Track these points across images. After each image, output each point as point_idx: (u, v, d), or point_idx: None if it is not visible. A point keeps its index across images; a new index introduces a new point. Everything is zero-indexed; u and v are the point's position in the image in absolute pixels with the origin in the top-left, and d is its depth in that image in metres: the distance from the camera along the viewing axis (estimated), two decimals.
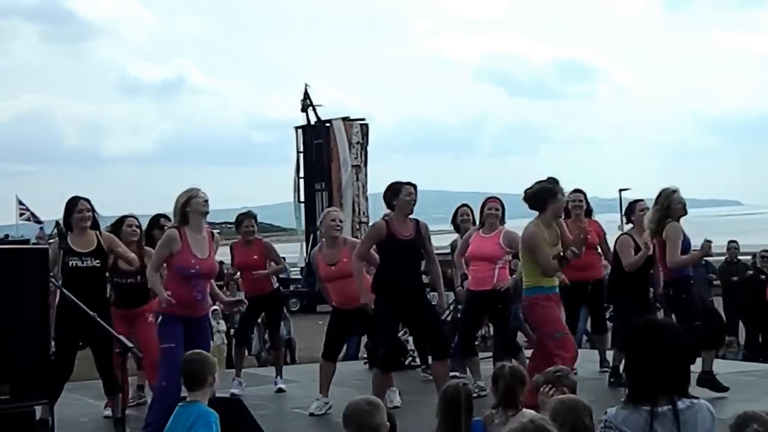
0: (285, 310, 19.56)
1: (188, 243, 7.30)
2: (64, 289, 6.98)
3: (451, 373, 8.44)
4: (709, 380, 8.61)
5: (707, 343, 8.77)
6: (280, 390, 9.87)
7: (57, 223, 7.53)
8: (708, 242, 8.60)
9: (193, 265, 7.30)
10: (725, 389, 8.66)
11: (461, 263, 9.50)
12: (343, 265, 8.59)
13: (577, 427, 4.30)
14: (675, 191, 8.68)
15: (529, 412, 4.84)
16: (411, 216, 8.09)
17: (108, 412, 8.39)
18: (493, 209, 9.15)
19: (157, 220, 9.31)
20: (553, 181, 7.75)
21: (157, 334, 7.41)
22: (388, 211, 8.32)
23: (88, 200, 8.12)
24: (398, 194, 8.01)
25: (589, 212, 10.18)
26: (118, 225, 8.70)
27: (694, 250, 8.79)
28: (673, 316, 8.45)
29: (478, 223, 9.57)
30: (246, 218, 9.98)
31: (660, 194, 8.68)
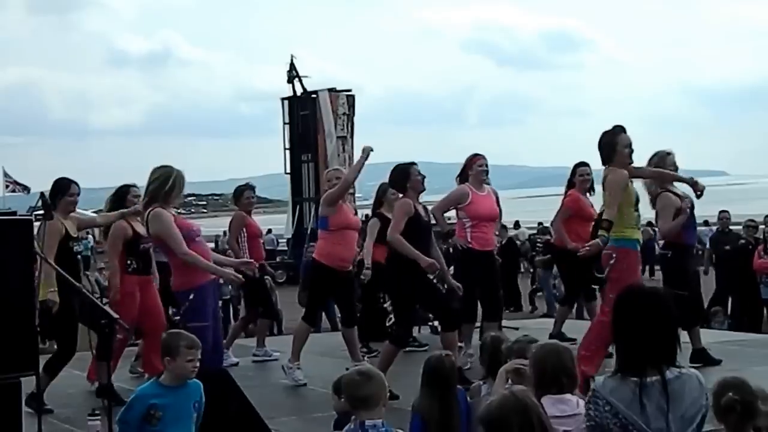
0: (271, 282, 19.64)
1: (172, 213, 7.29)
2: (50, 261, 6.98)
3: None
4: (701, 357, 8.71)
5: (691, 320, 8.83)
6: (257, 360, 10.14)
7: (42, 194, 7.50)
8: (683, 198, 8.64)
9: (191, 224, 7.43)
10: (718, 362, 8.75)
11: (443, 219, 9.38)
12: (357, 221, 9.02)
13: (559, 370, 4.32)
14: (669, 153, 8.68)
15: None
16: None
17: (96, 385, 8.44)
18: (484, 165, 9.16)
19: None
20: (619, 131, 7.76)
21: (186, 312, 7.10)
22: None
23: (78, 184, 8.30)
24: (409, 176, 8.09)
25: (591, 188, 10.23)
26: (123, 195, 8.70)
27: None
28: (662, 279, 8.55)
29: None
30: (247, 189, 10.30)
31: (655, 155, 8.69)
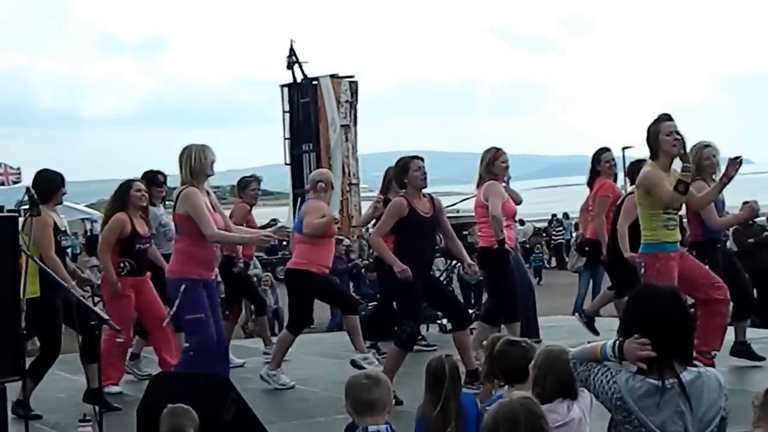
0: (272, 278, 19.65)
1: (205, 200, 7.49)
2: (36, 259, 6.97)
3: None
4: (743, 350, 8.70)
5: (738, 313, 8.80)
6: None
7: (28, 189, 7.49)
8: (749, 203, 8.52)
9: (215, 221, 7.50)
10: (761, 358, 8.76)
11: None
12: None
13: (561, 375, 4.33)
14: (707, 146, 8.53)
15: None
16: (425, 191, 8.17)
17: (116, 388, 8.53)
18: (507, 162, 9.23)
19: (154, 177, 9.30)
20: (662, 118, 7.54)
21: (179, 304, 7.39)
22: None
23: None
24: (407, 171, 8.05)
25: (615, 175, 10.29)
26: (125, 190, 8.63)
27: (728, 213, 8.84)
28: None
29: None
30: (253, 181, 10.31)
31: (690, 150, 8.57)
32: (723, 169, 8.39)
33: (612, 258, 9.48)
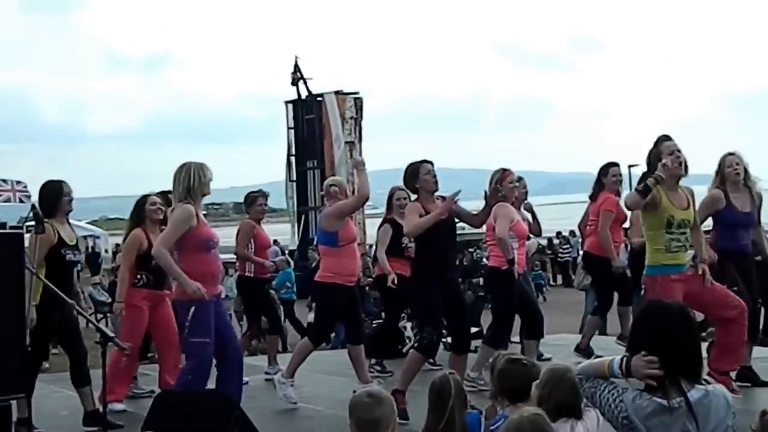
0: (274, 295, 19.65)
1: (200, 216, 7.40)
2: (42, 278, 6.98)
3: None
4: (747, 375, 8.67)
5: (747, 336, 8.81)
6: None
7: (33, 206, 7.50)
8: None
9: (213, 235, 7.46)
10: (765, 383, 8.73)
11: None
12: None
13: (565, 394, 4.34)
14: (731, 153, 8.52)
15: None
16: (437, 194, 8.16)
17: (120, 406, 8.50)
18: (514, 182, 9.23)
19: (167, 197, 9.31)
20: (661, 139, 7.54)
21: (189, 326, 7.27)
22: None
23: (67, 184, 8.15)
24: (418, 175, 8.08)
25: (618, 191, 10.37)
26: (141, 206, 8.66)
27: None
28: None
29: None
30: (260, 196, 10.29)
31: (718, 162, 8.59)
32: (750, 175, 8.56)
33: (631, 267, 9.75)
